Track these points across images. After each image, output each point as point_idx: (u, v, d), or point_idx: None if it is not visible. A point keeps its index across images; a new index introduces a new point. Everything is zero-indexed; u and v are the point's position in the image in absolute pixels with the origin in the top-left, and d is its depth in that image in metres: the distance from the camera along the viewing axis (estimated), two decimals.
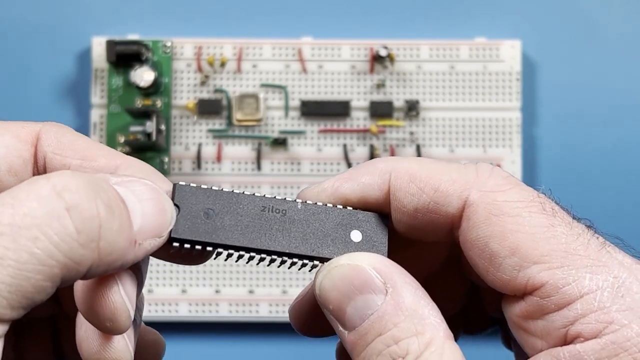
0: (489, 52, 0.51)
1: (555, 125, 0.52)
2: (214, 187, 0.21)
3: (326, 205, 0.21)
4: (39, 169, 0.22)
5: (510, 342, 0.24)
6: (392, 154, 0.51)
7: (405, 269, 0.21)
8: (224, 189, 0.21)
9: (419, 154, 0.50)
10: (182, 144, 0.51)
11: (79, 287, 0.20)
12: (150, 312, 0.50)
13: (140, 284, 0.21)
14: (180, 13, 0.53)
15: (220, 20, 0.53)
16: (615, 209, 0.52)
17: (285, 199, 0.21)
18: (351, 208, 0.22)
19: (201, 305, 0.50)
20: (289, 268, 0.22)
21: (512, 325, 0.21)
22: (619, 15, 0.53)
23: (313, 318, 0.22)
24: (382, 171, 0.22)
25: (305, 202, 0.21)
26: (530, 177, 0.52)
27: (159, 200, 0.20)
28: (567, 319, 0.19)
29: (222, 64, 0.51)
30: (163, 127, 0.50)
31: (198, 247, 0.20)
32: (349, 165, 0.51)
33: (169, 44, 0.51)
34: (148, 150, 0.50)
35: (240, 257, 0.21)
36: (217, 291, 0.50)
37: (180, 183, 0.21)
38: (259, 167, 0.51)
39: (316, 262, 0.21)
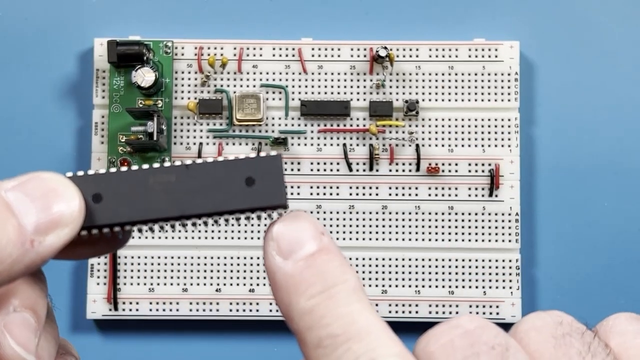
0: (487, 53, 0.51)
1: (554, 125, 0.52)
2: (100, 171, 0.20)
3: (215, 160, 0.21)
4: None
5: None
6: (392, 153, 0.51)
7: None
8: (110, 171, 0.20)
9: (418, 154, 0.51)
10: (182, 143, 0.51)
11: None
12: (151, 311, 0.50)
13: (43, 316, 0.21)
14: (182, 15, 0.53)
15: (221, 22, 0.53)
16: (614, 209, 0.52)
17: (172, 165, 0.21)
18: (238, 157, 0.21)
19: (202, 304, 0.50)
20: (193, 226, 0.21)
21: None
22: (618, 17, 0.53)
23: None
24: None
25: (194, 162, 0.21)
26: (528, 176, 0.52)
27: (55, 191, 0.19)
28: None
29: (223, 65, 0.51)
30: (164, 127, 0.50)
31: (94, 231, 0.20)
32: (349, 164, 0.51)
33: (169, 44, 0.51)
34: (149, 150, 0.50)
35: (139, 230, 0.21)
36: (217, 290, 0.50)
37: (68, 174, 0.20)
38: None
39: (216, 218, 0.21)
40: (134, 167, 0.21)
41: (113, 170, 0.20)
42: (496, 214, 0.51)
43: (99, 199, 0.20)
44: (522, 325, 0.20)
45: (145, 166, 0.21)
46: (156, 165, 0.21)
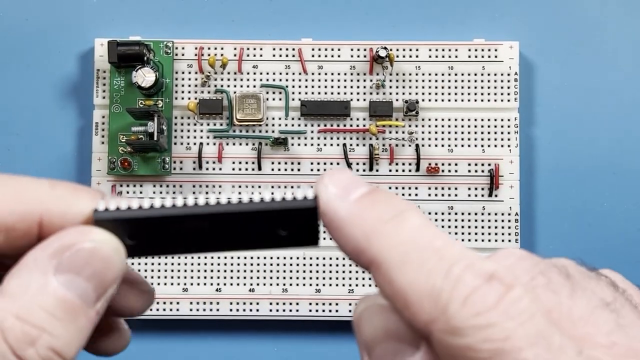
0: (487, 53, 0.51)
1: (553, 125, 0.53)
2: (133, 205, 0.20)
3: (250, 203, 0.20)
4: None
5: None
6: (392, 153, 0.51)
7: None
8: (143, 206, 0.20)
9: (418, 154, 0.51)
10: (183, 143, 0.51)
11: None
12: (152, 311, 0.50)
13: None
14: (182, 15, 0.53)
15: (221, 22, 0.53)
16: (613, 209, 0.52)
17: (206, 205, 0.20)
18: (274, 199, 0.21)
19: (202, 303, 0.50)
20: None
21: None
22: (617, 17, 0.53)
23: None
24: None
25: (229, 202, 0.20)
26: (528, 176, 0.52)
27: (106, 264, 0.20)
28: None
29: (223, 65, 0.51)
30: (164, 127, 0.50)
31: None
32: (349, 164, 0.51)
33: (170, 44, 0.51)
34: (150, 150, 0.50)
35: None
36: (218, 290, 0.51)
37: (99, 209, 0.20)
38: (259, 167, 0.51)
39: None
40: (168, 204, 0.20)
41: (146, 205, 0.20)
42: (496, 214, 0.51)
43: (134, 237, 0.21)
44: (558, 261, 0.20)
45: (179, 203, 0.20)
46: (190, 201, 0.20)
